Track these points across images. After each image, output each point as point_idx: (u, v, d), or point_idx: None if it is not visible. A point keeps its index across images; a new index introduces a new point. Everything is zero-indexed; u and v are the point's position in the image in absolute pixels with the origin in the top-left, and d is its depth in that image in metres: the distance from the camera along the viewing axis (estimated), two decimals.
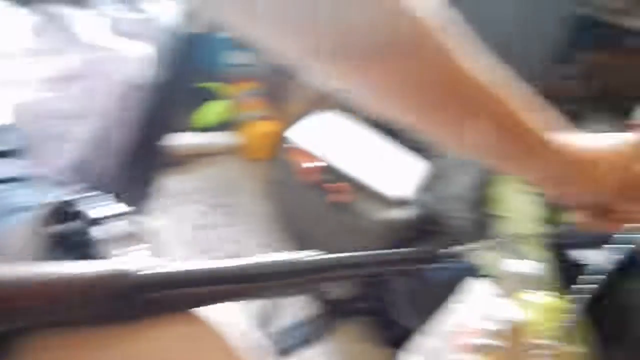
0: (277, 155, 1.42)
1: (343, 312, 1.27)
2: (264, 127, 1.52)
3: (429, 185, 1.32)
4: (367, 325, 1.27)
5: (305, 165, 1.23)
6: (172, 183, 1.46)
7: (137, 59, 1.19)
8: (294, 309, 1.26)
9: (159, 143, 1.48)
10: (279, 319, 1.24)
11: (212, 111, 1.59)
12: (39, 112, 0.98)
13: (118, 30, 1.23)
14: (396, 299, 1.18)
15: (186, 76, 1.55)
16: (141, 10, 1.34)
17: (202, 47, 1.63)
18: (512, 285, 1.12)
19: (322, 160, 1.24)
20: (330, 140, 1.30)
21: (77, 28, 1.13)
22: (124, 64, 1.14)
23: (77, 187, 0.94)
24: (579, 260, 1.19)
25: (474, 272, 1.20)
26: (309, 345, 1.21)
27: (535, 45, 1.59)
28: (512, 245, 1.30)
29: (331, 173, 1.23)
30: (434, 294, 1.16)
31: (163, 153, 1.49)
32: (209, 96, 1.60)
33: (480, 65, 0.41)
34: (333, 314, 1.26)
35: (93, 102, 1.02)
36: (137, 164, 1.39)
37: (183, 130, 1.55)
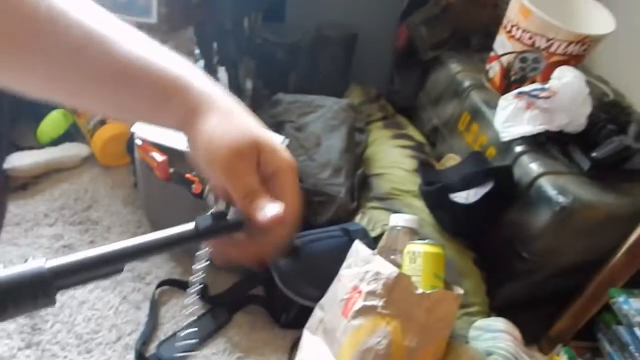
0: (132, 156, 1.27)
1: (234, 304, 1.17)
2: (111, 130, 1.36)
3: (295, 157, 1.24)
4: (262, 312, 1.18)
5: (159, 159, 1.10)
6: (19, 208, 1.27)
7: None
8: (179, 314, 1.14)
9: None
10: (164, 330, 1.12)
11: (54, 123, 1.41)
12: None
13: None
14: (286, 278, 1.10)
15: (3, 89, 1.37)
16: None
17: None
18: (398, 239, 1.07)
19: (175, 151, 1.12)
20: None
21: None
22: None
23: None
24: (456, 202, 1.16)
25: (359, 235, 1.15)
26: (204, 345, 1.10)
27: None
28: (393, 201, 1.25)
29: (188, 163, 1.11)
30: (324, 265, 1.09)
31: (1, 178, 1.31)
32: (48, 107, 1.42)
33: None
34: (223, 308, 1.15)
35: None
36: None
37: (23, 148, 1.36)
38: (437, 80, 1.48)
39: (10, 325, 1.04)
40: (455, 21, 1.55)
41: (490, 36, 1.41)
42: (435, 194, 1.17)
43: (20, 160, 1.32)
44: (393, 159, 1.32)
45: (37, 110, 1.42)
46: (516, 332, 1.01)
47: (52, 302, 0.40)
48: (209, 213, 0.46)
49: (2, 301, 0.38)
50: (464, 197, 1.17)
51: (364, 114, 1.46)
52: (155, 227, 1.26)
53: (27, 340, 1.03)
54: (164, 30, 1.29)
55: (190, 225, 0.45)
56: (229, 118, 0.44)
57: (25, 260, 0.39)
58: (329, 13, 1.50)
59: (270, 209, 0.42)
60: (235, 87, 1.41)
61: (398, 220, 1.08)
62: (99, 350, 1.05)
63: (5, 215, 1.26)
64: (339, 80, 1.55)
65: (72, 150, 1.39)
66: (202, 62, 1.54)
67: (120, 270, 0.44)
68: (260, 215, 0.42)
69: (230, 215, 0.46)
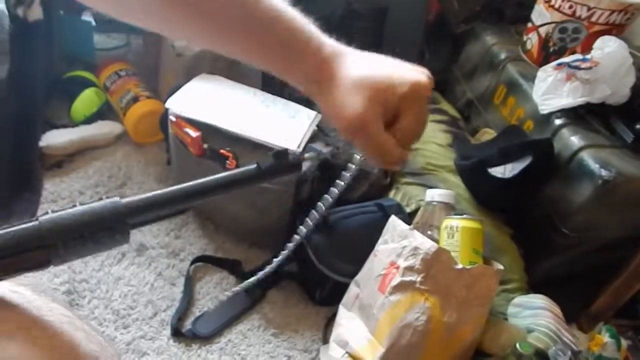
0: (165, 132, 1.25)
1: (268, 280, 1.14)
2: (144, 108, 1.34)
3: (327, 132, 1.20)
4: (296, 288, 1.15)
5: (193, 135, 1.08)
6: (55, 186, 1.26)
7: None
8: (213, 290, 1.13)
9: (26, 146, 1.29)
10: (199, 305, 1.10)
11: (87, 101, 1.39)
12: None
13: None
14: (321, 254, 1.07)
15: (38, 68, 1.35)
16: None
17: (62, 33, 1.43)
18: (435, 214, 1.03)
19: (210, 127, 1.09)
20: (213, 104, 1.14)
21: None
22: None
23: None
24: (494, 177, 1.12)
25: (393, 210, 1.11)
26: (238, 321, 1.08)
27: None
28: (428, 176, 1.21)
29: (222, 138, 1.08)
30: (359, 241, 1.06)
31: (35, 155, 1.30)
32: (81, 86, 1.40)
33: None
34: (257, 285, 1.13)
35: None
36: (2, 174, 1.19)
37: (58, 126, 1.35)
38: (471, 53, 1.42)
39: None
40: None
41: (524, 7, 1.35)
42: (472, 168, 1.12)
43: (55, 139, 1.31)
44: (427, 134, 1.27)
45: (71, 89, 1.40)
46: (557, 309, 0.97)
47: (126, 239, 0.41)
48: (269, 153, 0.48)
49: (81, 233, 0.38)
50: (500, 171, 1.13)
51: None
52: None
53: None
54: None
55: (252, 166, 0.47)
56: (354, 77, 0.47)
57: (100, 198, 0.40)
58: None
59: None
60: None
61: (434, 195, 1.03)
62: (136, 325, 1.04)
63: (41, 193, 1.25)
64: None
65: (105, 128, 1.37)
66: None
67: (185, 210, 0.48)
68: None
69: (291, 156, 0.49)
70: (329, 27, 1.58)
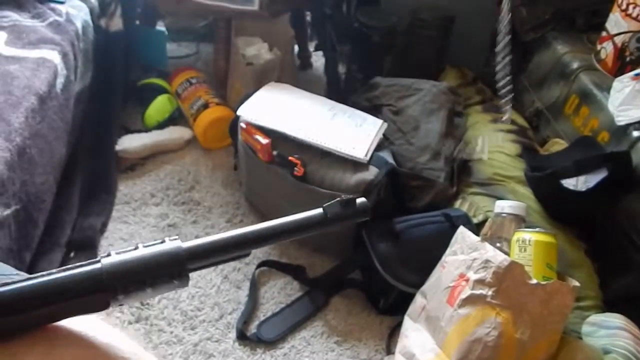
0: (234, 138, 1.25)
1: (331, 287, 1.12)
2: (213, 114, 1.35)
3: (393, 141, 1.17)
4: (359, 296, 1.12)
5: (263, 141, 1.07)
6: (128, 188, 1.29)
7: (49, 66, 1.01)
8: (278, 295, 1.11)
9: (104, 150, 1.32)
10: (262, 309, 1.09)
11: (160, 107, 1.42)
12: None
13: (21, 39, 1.04)
14: (386, 262, 1.03)
15: (117, 75, 1.38)
16: (45, 16, 1.15)
17: (138, 43, 1.47)
18: (504, 226, 0.98)
19: (279, 134, 1.08)
20: (282, 112, 1.13)
21: None
22: (33, 74, 0.96)
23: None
24: (569, 190, 1.05)
25: (461, 220, 1.06)
26: (302, 327, 1.06)
27: None
28: (496, 187, 1.16)
29: (290, 145, 1.07)
30: (425, 251, 1.02)
31: (112, 159, 1.33)
32: (155, 92, 1.43)
33: None
34: (321, 291, 1.11)
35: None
36: (82, 175, 1.22)
37: (132, 131, 1.38)
38: (541, 62, 1.35)
39: None
40: (558, 1, 1.41)
41: (597, 15, 1.28)
42: (544, 180, 1.06)
43: (129, 143, 1.33)
44: (494, 143, 1.22)
45: (145, 96, 1.43)
46: (636, 330, 0.90)
47: (185, 283, 0.38)
48: (336, 200, 0.44)
49: (141, 279, 0.36)
50: (572, 183, 1.06)
51: (462, 97, 1.36)
52: (254, 209, 1.25)
53: (137, 315, 1.03)
54: (265, 17, 1.26)
55: (318, 211, 0.43)
56: None
57: (163, 241, 0.38)
58: None
59: None
60: (333, 72, 1.36)
61: (504, 206, 0.98)
62: (203, 327, 1.03)
63: (116, 194, 1.28)
64: (434, 63, 1.46)
65: (176, 133, 1.39)
66: (297, 47, 1.51)
67: (247, 254, 0.42)
68: None
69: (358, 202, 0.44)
70: (395, 35, 1.55)
